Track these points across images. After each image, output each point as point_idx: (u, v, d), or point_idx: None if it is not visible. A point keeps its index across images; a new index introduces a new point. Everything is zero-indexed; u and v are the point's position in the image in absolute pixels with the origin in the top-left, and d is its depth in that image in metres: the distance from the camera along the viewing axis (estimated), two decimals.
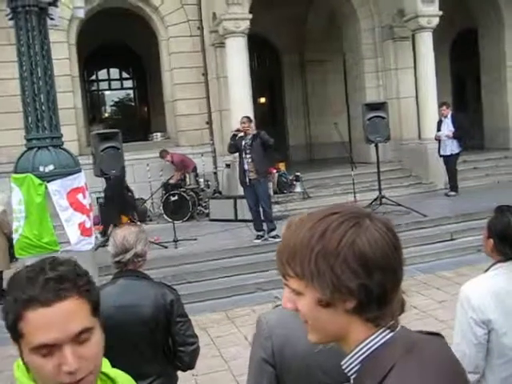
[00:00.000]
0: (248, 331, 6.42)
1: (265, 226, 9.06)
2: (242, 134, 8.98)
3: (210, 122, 12.70)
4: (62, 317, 1.15)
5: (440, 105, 11.64)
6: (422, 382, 1.04)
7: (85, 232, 7.36)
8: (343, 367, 1.15)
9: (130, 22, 13.63)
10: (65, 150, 7.55)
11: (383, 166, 13.44)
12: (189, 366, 3.10)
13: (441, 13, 11.96)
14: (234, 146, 9.08)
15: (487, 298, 2.32)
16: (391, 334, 1.11)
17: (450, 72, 17.74)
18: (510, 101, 14.50)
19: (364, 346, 1.11)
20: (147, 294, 2.97)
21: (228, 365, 5.60)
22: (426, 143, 12.39)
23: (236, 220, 10.65)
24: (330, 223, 1.10)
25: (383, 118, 9.55)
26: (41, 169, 7.21)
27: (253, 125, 9.31)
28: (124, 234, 3.05)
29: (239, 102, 11.18)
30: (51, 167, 7.24)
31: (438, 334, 1.23)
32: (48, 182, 7.13)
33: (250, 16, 11.05)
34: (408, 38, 12.84)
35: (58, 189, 7.21)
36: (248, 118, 9.25)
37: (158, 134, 13.25)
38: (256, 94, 17.21)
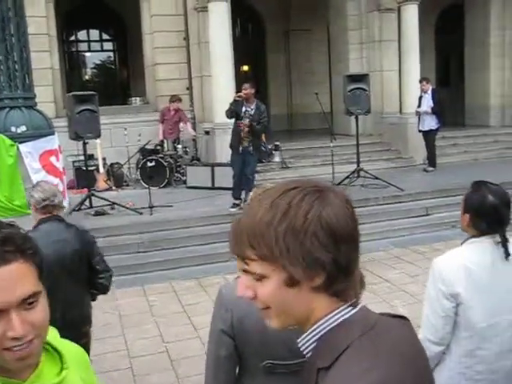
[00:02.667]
0: None
1: (242, 195, 9.01)
2: (241, 99, 8.76)
3: (190, 88, 12.50)
4: (8, 280, 1.09)
5: (420, 80, 11.58)
6: (374, 366, 1.00)
7: None
8: (299, 345, 1.12)
9: None
10: (38, 111, 7.39)
11: (363, 138, 13.43)
12: (106, 289, 3.72)
13: None
14: (234, 112, 8.86)
15: (458, 272, 2.33)
16: (351, 313, 1.08)
17: (434, 46, 17.65)
18: (492, 78, 14.48)
19: (321, 324, 1.08)
20: (72, 232, 3.53)
21: (198, 333, 5.59)
22: (406, 117, 12.36)
23: (213, 188, 10.58)
24: (291, 198, 1.05)
25: (365, 90, 9.45)
26: (13, 129, 7.06)
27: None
28: (46, 182, 3.96)
29: (220, 67, 11.00)
30: (23, 128, 7.08)
31: (403, 318, 1.20)
32: (20, 143, 6.98)
33: None
34: (394, 10, 12.68)
35: (29, 150, 7.06)
36: (250, 84, 9.02)
37: (137, 98, 13.03)
38: (239, 61, 17.06)
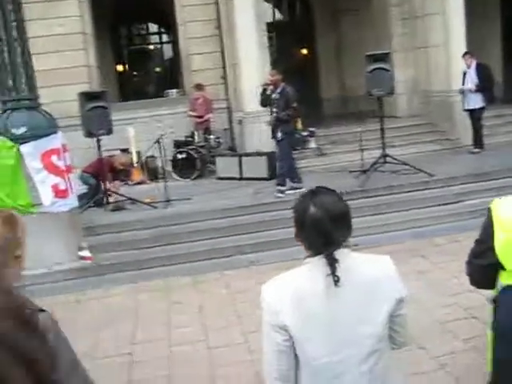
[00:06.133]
0: (204, 299, 6.26)
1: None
2: (271, 87, 8.85)
3: (224, 77, 12.34)
4: None
5: (463, 55, 10.72)
6: None
7: (59, 193, 7.34)
8: None
9: None
10: (41, 111, 7.49)
11: (409, 120, 12.77)
12: None
13: None
14: (265, 100, 8.99)
15: (285, 300, 1.94)
16: None
17: (500, 17, 16.33)
18: None
19: None
20: None
21: (170, 334, 5.47)
22: (453, 96, 11.51)
23: (241, 178, 10.39)
24: None
25: (387, 70, 8.84)
26: (13, 131, 7.21)
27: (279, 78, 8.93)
28: None
29: (246, 54, 10.76)
30: (23, 129, 7.21)
31: None
32: (20, 144, 7.13)
33: None
34: None
35: (30, 151, 7.18)
36: (277, 71, 9.11)
37: (174, 90, 13.04)
38: (289, 44, 16.70)
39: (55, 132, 7.46)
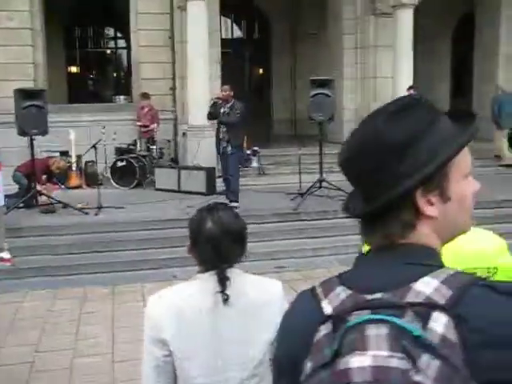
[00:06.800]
0: (118, 310, 6.13)
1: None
2: (221, 102, 8.93)
3: (173, 88, 12.27)
4: None
5: (408, 88, 10.98)
6: None
7: None
8: None
9: None
10: None
11: None
12: None
13: None
14: (213, 113, 9.04)
15: (168, 314, 1.89)
16: None
17: (450, 54, 16.89)
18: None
19: None
20: None
21: (75, 344, 5.32)
22: None
23: (179, 191, 10.29)
24: None
25: (328, 95, 8.95)
26: None
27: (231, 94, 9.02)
28: None
29: (195, 68, 10.73)
30: None
31: None
32: None
33: None
34: (390, 15, 12.08)
35: None
36: (230, 86, 9.14)
37: (122, 97, 12.90)
38: (245, 62, 16.79)
39: None
